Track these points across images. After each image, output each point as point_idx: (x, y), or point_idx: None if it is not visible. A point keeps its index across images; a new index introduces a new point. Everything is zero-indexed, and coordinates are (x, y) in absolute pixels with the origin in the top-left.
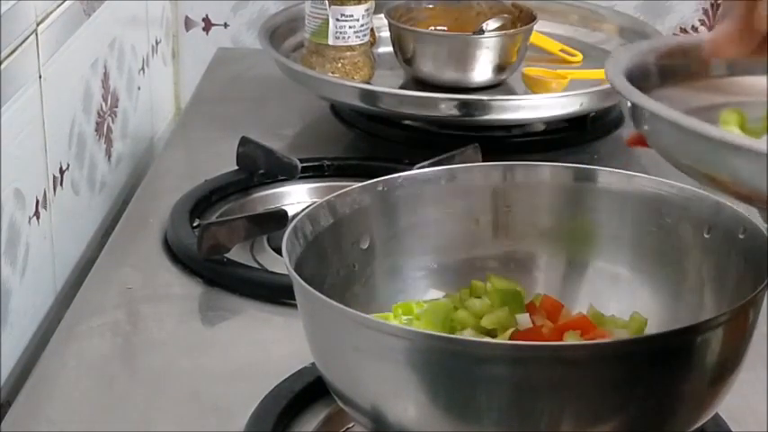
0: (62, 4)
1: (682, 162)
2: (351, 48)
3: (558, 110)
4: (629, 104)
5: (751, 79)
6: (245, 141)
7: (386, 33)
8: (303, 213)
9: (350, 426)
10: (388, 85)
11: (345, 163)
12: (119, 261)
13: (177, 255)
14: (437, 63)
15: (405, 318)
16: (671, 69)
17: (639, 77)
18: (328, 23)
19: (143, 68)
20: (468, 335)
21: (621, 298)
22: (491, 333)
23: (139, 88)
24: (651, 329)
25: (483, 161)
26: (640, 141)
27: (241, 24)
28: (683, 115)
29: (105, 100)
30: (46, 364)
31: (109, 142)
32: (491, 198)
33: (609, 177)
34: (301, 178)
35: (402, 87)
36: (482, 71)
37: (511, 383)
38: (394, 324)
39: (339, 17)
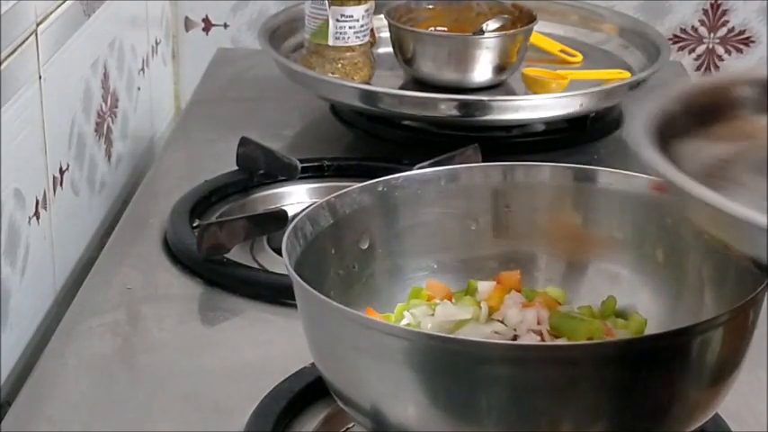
0: (62, 4)
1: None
2: (351, 48)
3: (558, 110)
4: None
5: None
6: (244, 141)
7: (386, 34)
8: (303, 213)
9: (350, 426)
10: (388, 85)
11: (345, 163)
12: (119, 261)
13: (177, 255)
14: (437, 63)
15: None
16: (698, 115)
17: (667, 130)
18: (328, 24)
19: (143, 69)
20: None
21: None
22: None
23: (139, 88)
24: (651, 329)
25: (483, 161)
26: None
27: (241, 24)
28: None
29: (105, 100)
30: (46, 364)
31: (109, 142)
32: (491, 198)
33: (609, 177)
34: (301, 178)
35: (402, 88)
36: (482, 71)
37: (511, 383)
38: (394, 324)
39: (339, 18)
